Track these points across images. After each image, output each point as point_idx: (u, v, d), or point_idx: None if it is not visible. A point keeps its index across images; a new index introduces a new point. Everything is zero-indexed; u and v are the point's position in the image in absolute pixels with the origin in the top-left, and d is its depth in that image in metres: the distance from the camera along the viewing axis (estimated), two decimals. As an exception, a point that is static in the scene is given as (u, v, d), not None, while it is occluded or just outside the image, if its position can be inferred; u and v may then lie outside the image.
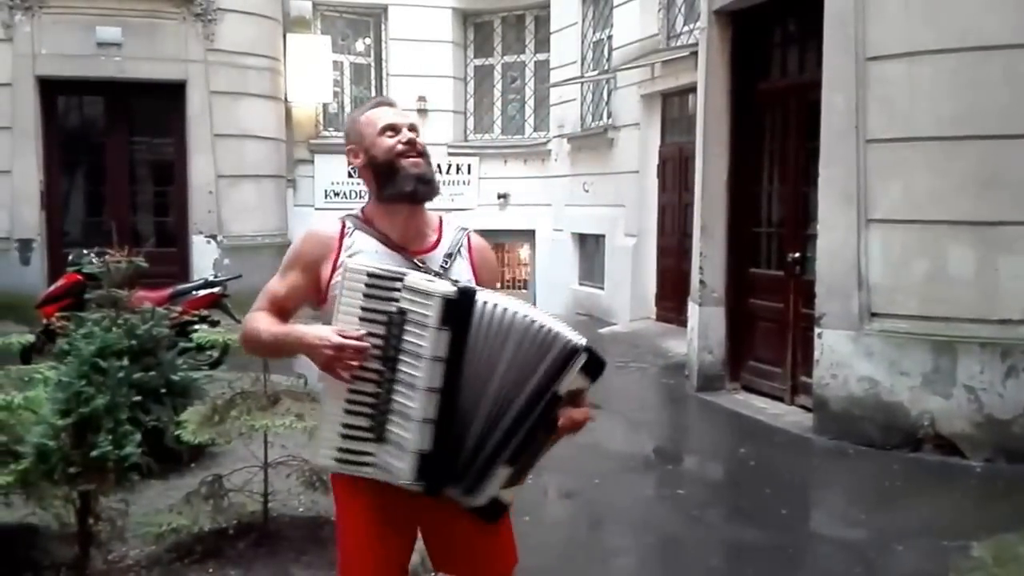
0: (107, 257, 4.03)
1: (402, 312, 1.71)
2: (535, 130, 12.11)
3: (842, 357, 5.18)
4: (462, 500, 1.80)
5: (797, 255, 5.86)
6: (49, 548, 3.25)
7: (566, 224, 11.26)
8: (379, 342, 1.72)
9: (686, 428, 6.22)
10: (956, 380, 4.80)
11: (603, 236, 10.38)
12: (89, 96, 9.85)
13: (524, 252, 12.46)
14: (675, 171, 9.05)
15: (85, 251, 6.84)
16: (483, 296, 1.73)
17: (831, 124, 5.24)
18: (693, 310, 6.65)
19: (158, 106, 9.79)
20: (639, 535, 4.03)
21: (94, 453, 2.91)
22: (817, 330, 5.32)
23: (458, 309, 1.70)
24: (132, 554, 3.28)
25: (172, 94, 9.57)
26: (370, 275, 1.73)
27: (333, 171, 11.64)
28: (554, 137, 11.40)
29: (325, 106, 11.74)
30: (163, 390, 4.06)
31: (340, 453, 1.76)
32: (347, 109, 12.10)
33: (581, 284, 11.15)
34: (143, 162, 10.09)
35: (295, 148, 11.33)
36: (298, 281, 1.91)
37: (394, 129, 1.91)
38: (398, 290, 1.72)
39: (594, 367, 1.75)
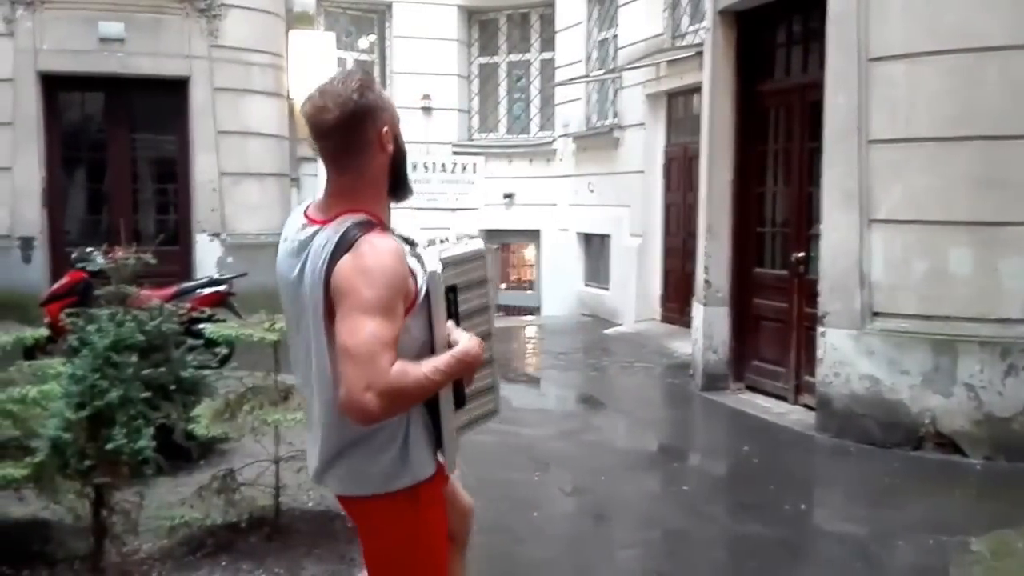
0: (114, 254, 4.06)
1: (453, 288, 1.80)
2: (540, 129, 12.12)
3: (844, 356, 5.21)
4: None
5: (801, 255, 5.90)
6: (63, 541, 3.28)
7: (571, 224, 11.29)
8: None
9: (690, 427, 6.25)
10: (956, 379, 4.84)
11: (608, 236, 10.42)
12: (91, 92, 9.83)
13: (529, 252, 12.48)
14: (680, 171, 9.09)
15: (89, 248, 6.83)
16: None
17: (833, 125, 5.28)
18: (698, 310, 6.69)
19: (161, 102, 9.77)
20: (644, 529, 4.08)
21: (109, 446, 2.93)
22: (820, 329, 5.36)
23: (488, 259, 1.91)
24: (145, 547, 3.32)
25: (175, 90, 9.56)
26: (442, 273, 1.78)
27: (336, 169, 11.64)
28: (559, 136, 11.42)
29: (329, 104, 11.73)
30: (172, 387, 4.07)
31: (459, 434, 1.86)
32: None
33: (586, 284, 11.18)
34: (145, 159, 10.06)
35: (298, 146, 11.34)
36: (402, 310, 1.68)
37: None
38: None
39: None
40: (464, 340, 1.71)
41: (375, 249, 1.65)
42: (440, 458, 1.84)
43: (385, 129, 1.73)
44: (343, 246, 1.66)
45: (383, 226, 1.73)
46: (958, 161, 4.88)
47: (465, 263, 1.84)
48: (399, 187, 1.81)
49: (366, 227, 1.68)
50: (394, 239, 1.72)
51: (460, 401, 1.82)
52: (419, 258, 1.77)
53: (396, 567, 1.85)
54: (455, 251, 1.84)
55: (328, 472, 1.82)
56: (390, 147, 1.75)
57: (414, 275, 1.73)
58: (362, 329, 1.59)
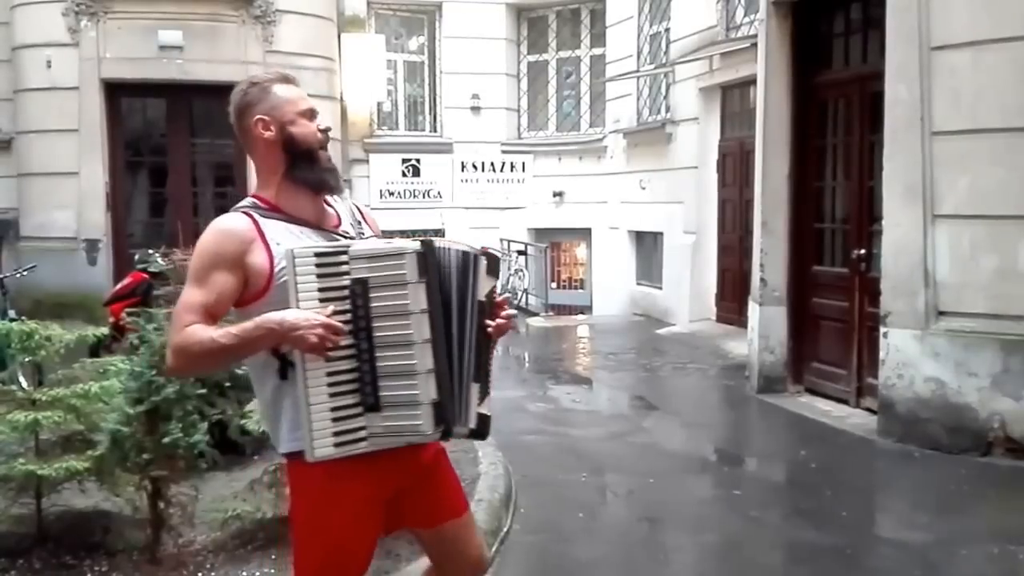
0: (173, 255, 4.16)
1: (362, 281, 1.75)
2: (590, 126, 12.07)
3: (908, 357, 5.04)
4: (458, 431, 1.87)
5: (862, 252, 5.73)
6: (122, 532, 3.36)
7: (623, 222, 11.20)
8: (347, 316, 1.75)
9: (745, 430, 6.12)
10: (1029, 381, 4.64)
11: (661, 234, 10.30)
12: (152, 98, 10.15)
13: (580, 251, 12.42)
14: (735, 166, 8.93)
15: (151, 251, 7.01)
16: (438, 242, 1.84)
17: (895, 116, 5.11)
18: (754, 310, 6.55)
19: (218, 108, 9.81)
20: (693, 533, 4.00)
21: (165, 440, 3.01)
22: (882, 329, 5.19)
23: (426, 260, 1.79)
24: (200, 539, 3.38)
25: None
26: (317, 255, 1.76)
27: (388, 170, 11.80)
28: (610, 133, 11.35)
29: (379, 105, 11.88)
30: (227, 384, 4.15)
31: (337, 438, 1.75)
32: (401, 108, 12.24)
33: (638, 283, 11.08)
34: (204, 163, 10.34)
35: (350, 148, 11.51)
36: (227, 282, 1.78)
37: (313, 116, 1.93)
38: (346, 263, 1.76)
39: (494, 265, 1.90)
40: (288, 312, 1.72)
41: (209, 228, 1.85)
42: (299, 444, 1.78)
43: (256, 118, 1.89)
44: None
45: (266, 207, 1.87)
46: (1029, 153, 4.67)
47: (379, 259, 1.78)
48: (303, 173, 1.88)
49: (236, 209, 1.89)
50: (232, 217, 1.85)
51: (374, 405, 1.77)
52: (335, 250, 1.80)
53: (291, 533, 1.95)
54: (371, 245, 1.84)
55: None
56: (266, 133, 1.89)
57: (271, 256, 1.79)
58: (180, 298, 1.82)
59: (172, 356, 1.79)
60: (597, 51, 11.80)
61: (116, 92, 9.73)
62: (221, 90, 9.46)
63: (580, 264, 12.51)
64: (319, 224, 1.90)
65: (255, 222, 1.83)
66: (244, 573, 3.15)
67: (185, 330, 1.75)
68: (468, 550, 2.05)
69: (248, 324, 1.74)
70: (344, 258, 1.76)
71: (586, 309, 11.84)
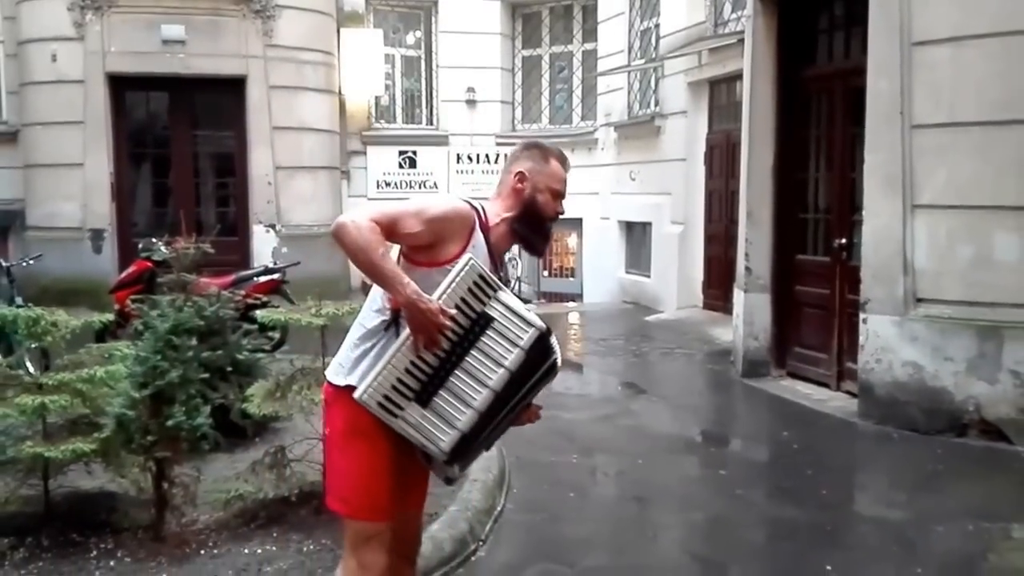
0: (176, 244, 4.28)
1: (489, 318, 2.03)
2: (582, 119, 12.18)
3: (887, 342, 5.18)
4: (451, 472, 2.19)
5: (844, 241, 5.87)
6: (127, 512, 3.47)
7: (613, 212, 11.32)
8: (460, 330, 2.02)
9: (730, 413, 6.26)
10: (1002, 365, 4.77)
11: (650, 224, 10.42)
12: (155, 91, 10.25)
13: (571, 240, 12.55)
14: (722, 158, 9.05)
15: (154, 239, 7.12)
16: (551, 336, 2.09)
17: (876, 109, 5.23)
18: (739, 297, 6.69)
19: (220, 100, 10.14)
20: (681, 512, 4.13)
21: (169, 423, 3.11)
22: (862, 315, 5.33)
23: (541, 343, 2.06)
24: (202, 519, 3.48)
25: (233, 89, 9.90)
26: (480, 276, 2.03)
27: (384, 162, 11.91)
28: (601, 126, 11.45)
29: (377, 99, 11.99)
30: (229, 369, 4.24)
31: (383, 400, 2.04)
32: (398, 101, 12.35)
33: (628, 272, 11.21)
34: (206, 154, 10.46)
35: (348, 140, 11.62)
36: (421, 234, 2.05)
37: (562, 197, 2.25)
38: (488, 297, 2.04)
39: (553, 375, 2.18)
40: (429, 300, 1.99)
41: (454, 199, 2.13)
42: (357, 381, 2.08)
43: (519, 171, 2.20)
44: None
45: (484, 221, 2.14)
46: (1006, 146, 4.80)
47: (513, 314, 2.04)
48: (524, 230, 2.20)
49: (471, 202, 2.14)
50: (471, 211, 2.10)
51: (424, 401, 2.04)
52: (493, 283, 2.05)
53: (327, 448, 2.28)
54: (515, 302, 2.10)
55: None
56: (519, 185, 2.20)
57: (462, 252, 2.06)
58: (384, 206, 2.07)
59: (352, 225, 1.98)
60: (589, 46, 11.89)
61: (120, 85, 9.83)
62: (222, 83, 9.64)
63: (571, 253, 12.64)
64: (496, 262, 2.19)
65: (473, 224, 2.11)
66: (246, 551, 3.24)
67: (372, 222, 1.99)
68: (415, 529, 2.47)
69: (400, 272, 2.01)
70: (490, 293, 2.04)
71: (577, 297, 11.98)
